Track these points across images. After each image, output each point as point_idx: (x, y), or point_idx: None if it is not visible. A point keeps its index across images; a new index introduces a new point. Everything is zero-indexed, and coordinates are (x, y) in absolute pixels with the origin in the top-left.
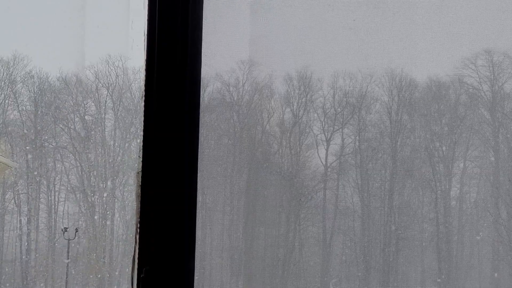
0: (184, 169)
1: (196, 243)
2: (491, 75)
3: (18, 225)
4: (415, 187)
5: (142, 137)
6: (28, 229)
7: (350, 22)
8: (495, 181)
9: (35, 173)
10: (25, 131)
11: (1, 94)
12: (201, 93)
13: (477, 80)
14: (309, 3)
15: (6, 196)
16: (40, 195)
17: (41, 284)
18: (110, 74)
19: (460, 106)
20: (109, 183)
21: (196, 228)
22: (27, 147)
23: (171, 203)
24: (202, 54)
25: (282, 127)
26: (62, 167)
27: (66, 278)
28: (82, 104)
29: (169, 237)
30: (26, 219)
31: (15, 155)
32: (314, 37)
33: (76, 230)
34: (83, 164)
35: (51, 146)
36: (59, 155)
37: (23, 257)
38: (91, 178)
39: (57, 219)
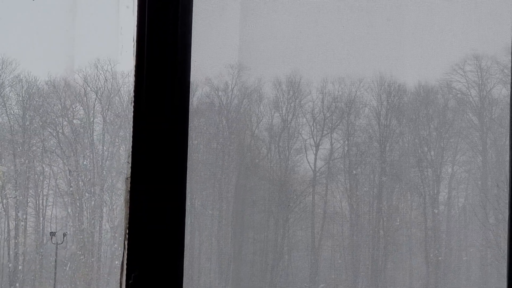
0: (172, 174)
1: (185, 248)
2: (479, 80)
3: (6, 230)
4: (404, 191)
5: (131, 141)
6: (15, 233)
7: (339, 27)
8: (483, 186)
9: (23, 177)
10: (13, 135)
11: None
12: (190, 97)
13: (465, 85)
14: (299, 8)
15: None
16: (28, 199)
17: None
18: (99, 78)
19: (449, 111)
20: (97, 187)
21: (185, 233)
22: (15, 151)
23: (159, 208)
24: (191, 58)
25: (271, 132)
26: (50, 171)
27: (54, 283)
28: (71, 108)
29: (157, 242)
30: (14, 223)
31: (3, 159)
32: (303, 42)
33: (64, 235)
34: (71, 168)
35: (39, 150)
36: (47, 159)
37: (11, 261)
38: (79, 182)
39: (45, 224)
